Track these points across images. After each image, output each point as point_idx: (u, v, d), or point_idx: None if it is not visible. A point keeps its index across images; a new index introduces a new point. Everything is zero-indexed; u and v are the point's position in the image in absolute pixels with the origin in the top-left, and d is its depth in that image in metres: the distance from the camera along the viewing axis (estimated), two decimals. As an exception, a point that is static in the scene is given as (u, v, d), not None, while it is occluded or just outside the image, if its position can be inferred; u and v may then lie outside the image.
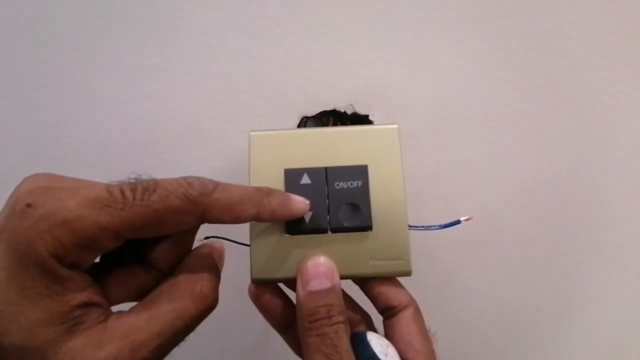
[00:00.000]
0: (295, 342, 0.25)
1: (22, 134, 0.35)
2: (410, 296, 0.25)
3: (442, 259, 0.38)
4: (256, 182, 0.26)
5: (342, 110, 0.36)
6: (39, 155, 0.35)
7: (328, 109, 0.36)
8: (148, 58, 0.35)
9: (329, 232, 0.25)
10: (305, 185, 0.25)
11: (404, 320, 0.24)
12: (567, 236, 0.39)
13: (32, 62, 0.34)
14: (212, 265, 0.21)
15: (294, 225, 0.24)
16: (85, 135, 0.35)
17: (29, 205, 0.16)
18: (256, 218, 0.21)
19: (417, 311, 0.24)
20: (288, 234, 0.25)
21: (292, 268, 0.24)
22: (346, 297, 0.25)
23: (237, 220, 0.20)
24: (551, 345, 0.40)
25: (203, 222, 0.20)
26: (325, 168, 0.25)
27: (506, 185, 0.38)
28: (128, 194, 0.17)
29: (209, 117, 0.35)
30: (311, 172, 0.25)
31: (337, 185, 0.25)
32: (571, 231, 0.39)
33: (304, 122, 0.36)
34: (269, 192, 0.22)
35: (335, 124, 0.37)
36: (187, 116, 0.35)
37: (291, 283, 0.24)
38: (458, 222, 0.25)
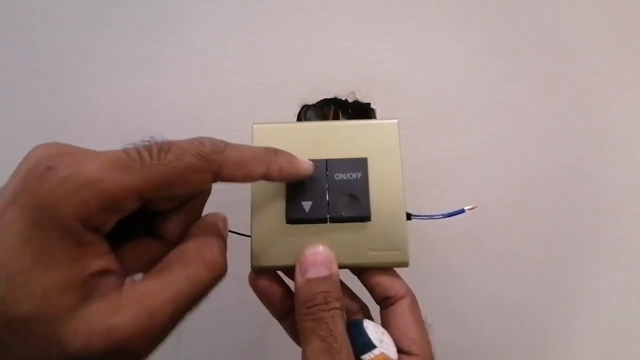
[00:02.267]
0: (293, 329, 0.25)
1: (18, 123, 0.35)
2: (407, 287, 0.25)
3: (440, 251, 0.38)
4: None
5: (343, 99, 0.36)
6: (37, 143, 0.36)
7: (329, 97, 0.36)
8: (147, 48, 0.35)
9: (328, 222, 0.25)
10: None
11: (400, 310, 0.24)
12: (568, 227, 0.38)
13: (29, 51, 0.35)
14: (219, 233, 0.21)
15: (294, 215, 0.25)
16: (81, 125, 0.35)
17: (49, 168, 0.16)
18: (265, 176, 0.22)
19: (414, 302, 0.24)
20: (288, 223, 0.25)
21: (291, 256, 0.25)
22: (344, 286, 0.25)
23: (248, 178, 0.21)
24: (551, 338, 0.40)
25: (217, 180, 0.20)
26: (326, 160, 0.26)
27: (506, 177, 0.37)
28: (145, 154, 0.18)
29: (209, 106, 0.35)
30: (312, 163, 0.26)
31: (337, 176, 0.26)
32: (572, 223, 0.38)
33: (305, 111, 0.36)
34: (275, 151, 0.23)
35: (336, 113, 0.37)
36: (186, 105, 0.35)
37: (290, 271, 0.25)
38: (462, 211, 0.25)
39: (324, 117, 0.37)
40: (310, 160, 0.26)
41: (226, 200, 0.37)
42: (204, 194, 0.23)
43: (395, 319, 0.24)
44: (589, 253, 0.39)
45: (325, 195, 0.25)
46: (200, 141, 0.19)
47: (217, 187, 0.37)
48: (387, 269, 0.25)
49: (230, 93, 0.35)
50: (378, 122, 0.27)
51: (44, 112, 0.35)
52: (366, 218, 0.25)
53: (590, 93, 0.38)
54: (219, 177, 0.20)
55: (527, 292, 0.39)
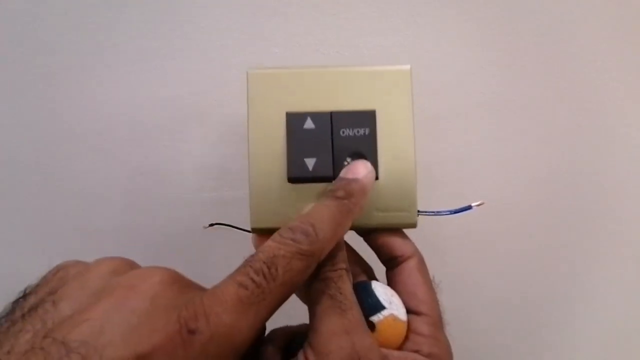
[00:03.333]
0: (300, 289, 0.24)
1: (22, 117, 0.34)
2: (415, 246, 0.24)
3: (440, 249, 0.38)
4: (256, 126, 0.24)
5: None
6: (39, 139, 0.35)
7: None
8: (148, 41, 0.34)
9: (333, 181, 0.23)
10: (309, 130, 0.23)
11: (408, 270, 0.23)
12: (571, 226, 0.39)
13: (33, 46, 0.34)
14: None
15: (296, 173, 0.23)
16: (85, 120, 0.35)
17: (192, 331, 0.15)
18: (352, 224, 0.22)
19: (421, 261, 0.24)
20: (290, 182, 0.23)
21: (293, 217, 0.23)
22: (348, 248, 0.24)
23: (340, 239, 0.21)
24: (552, 337, 0.41)
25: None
26: (331, 113, 0.24)
27: (510, 175, 0.37)
28: (260, 280, 0.17)
29: (210, 102, 0.35)
30: (315, 116, 0.23)
31: (343, 132, 0.23)
32: (575, 221, 0.39)
33: None
34: (347, 194, 0.21)
35: None
36: (191, 101, 0.35)
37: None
38: (469, 207, 0.24)
39: None
40: (313, 112, 0.24)
41: (228, 198, 0.36)
42: None
43: (403, 279, 0.23)
44: (593, 252, 0.39)
45: (330, 151, 0.23)
46: (293, 239, 0.19)
47: (219, 184, 0.36)
48: (394, 229, 0.24)
49: (232, 88, 0.34)
50: (388, 69, 0.24)
51: (45, 107, 0.34)
52: (374, 180, 0.23)
53: (596, 91, 0.37)
54: (320, 260, 0.20)
55: (529, 290, 0.39)
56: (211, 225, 0.32)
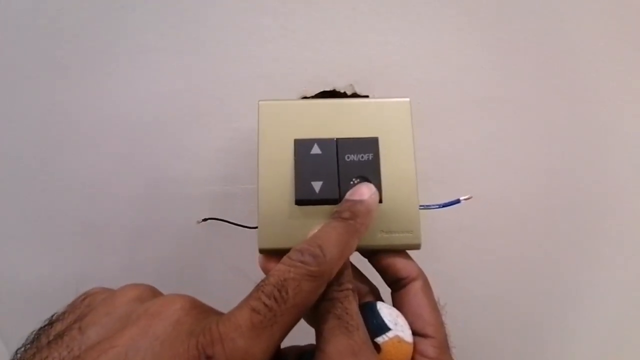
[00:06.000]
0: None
1: (26, 111, 0.34)
2: (419, 268, 0.24)
3: (436, 246, 0.38)
4: (265, 151, 0.25)
5: (342, 91, 0.36)
6: (44, 133, 0.35)
7: (328, 89, 0.35)
8: (151, 38, 0.34)
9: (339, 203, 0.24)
10: (316, 155, 0.25)
11: (413, 291, 0.23)
12: (568, 225, 0.39)
13: (39, 40, 0.34)
14: None
15: (303, 195, 0.24)
16: (88, 115, 0.34)
17: (210, 357, 0.16)
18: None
19: (426, 283, 0.24)
20: (297, 204, 0.24)
21: (300, 238, 0.24)
22: (354, 269, 0.25)
23: (347, 258, 0.21)
24: (549, 337, 0.40)
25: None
26: (336, 139, 0.25)
27: (505, 171, 0.37)
28: (271, 304, 0.18)
29: (209, 98, 0.35)
30: (322, 142, 0.25)
31: (348, 157, 0.25)
32: (575, 217, 0.39)
33: None
34: (352, 215, 0.22)
35: None
36: (187, 96, 0.35)
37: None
38: (458, 201, 0.25)
39: None
40: (320, 139, 0.25)
41: (230, 193, 0.37)
42: None
43: (408, 300, 0.23)
44: (590, 251, 0.39)
45: (336, 175, 0.24)
46: (302, 261, 0.19)
47: (221, 179, 0.37)
48: (399, 251, 0.25)
49: (229, 84, 0.35)
50: (389, 101, 0.26)
51: (49, 101, 0.34)
52: (378, 201, 0.24)
53: (595, 90, 0.37)
54: (328, 281, 0.20)
55: (525, 290, 0.39)
56: (204, 220, 0.32)
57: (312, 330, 0.21)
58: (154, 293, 0.20)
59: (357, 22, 0.35)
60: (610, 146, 0.38)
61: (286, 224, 0.24)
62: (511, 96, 0.37)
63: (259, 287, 0.18)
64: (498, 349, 0.40)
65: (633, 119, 0.38)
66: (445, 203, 0.25)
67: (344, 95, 0.36)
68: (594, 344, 0.41)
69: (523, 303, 0.40)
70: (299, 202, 0.24)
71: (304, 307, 0.19)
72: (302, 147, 0.25)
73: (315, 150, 0.25)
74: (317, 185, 0.24)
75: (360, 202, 0.23)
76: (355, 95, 0.36)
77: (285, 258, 0.20)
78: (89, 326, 0.17)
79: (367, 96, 0.36)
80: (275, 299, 0.18)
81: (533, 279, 0.39)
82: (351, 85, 0.35)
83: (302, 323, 0.24)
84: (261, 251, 0.24)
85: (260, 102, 0.26)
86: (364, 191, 0.23)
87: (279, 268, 0.19)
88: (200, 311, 0.19)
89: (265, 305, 0.18)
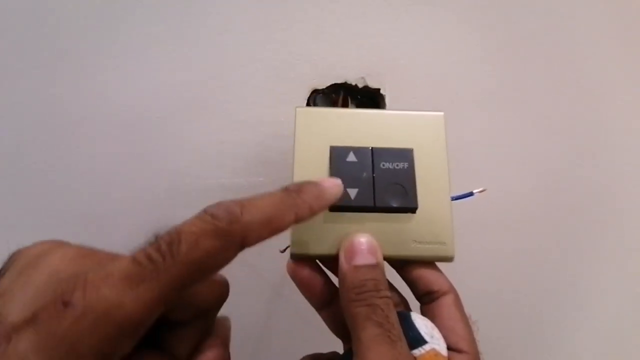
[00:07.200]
0: (333, 319, 0.24)
1: (24, 103, 0.33)
2: (450, 282, 0.24)
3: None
4: (301, 157, 0.25)
5: (353, 84, 0.35)
6: (43, 127, 0.34)
7: (339, 82, 0.35)
8: (153, 28, 0.33)
9: (373, 211, 0.24)
10: (352, 163, 0.25)
11: (446, 306, 0.23)
12: (571, 222, 0.39)
13: (39, 32, 0.33)
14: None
15: (339, 202, 0.24)
16: (88, 108, 0.34)
17: (65, 303, 0.15)
18: (296, 222, 0.19)
19: (458, 298, 0.24)
20: (331, 210, 0.24)
21: (333, 245, 0.23)
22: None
23: (277, 232, 0.18)
24: (552, 334, 0.39)
25: (243, 249, 0.18)
26: (372, 148, 0.25)
27: (513, 166, 0.37)
28: (155, 256, 0.16)
29: (216, 90, 0.34)
30: (357, 150, 0.25)
31: (383, 165, 0.25)
32: (576, 214, 0.39)
33: (314, 97, 0.36)
34: (298, 189, 0.20)
35: (345, 99, 0.36)
36: (193, 89, 0.34)
37: (330, 260, 0.24)
38: (471, 194, 0.25)
39: (333, 103, 0.36)
40: (356, 147, 0.25)
41: (234, 185, 0.36)
42: (218, 306, 0.21)
43: (441, 314, 0.23)
44: (591, 249, 0.39)
45: (371, 183, 0.24)
46: (211, 214, 0.17)
47: (224, 174, 0.36)
48: (430, 263, 0.24)
49: (238, 76, 0.34)
50: (424, 114, 0.27)
51: (47, 94, 0.33)
52: (414, 209, 0.24)
53: (595, 88, 0.38)
54: (245, 246, 0.17)
55: (528, 287, 0.39)
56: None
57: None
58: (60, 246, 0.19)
59: (369, 14, 0.35)
60: (613, 142, 0.39)
61: (320, 230, 0.24)
62: (513, 93, 0.37)
63: (154, 236, 0.17)
64: (500, 344, 0.39)
65: (635, 117, 0.39)
66: (458, 196, 0.25)
67: (354, 88, 0.36)
68: (597, 340, 0.40)
69: (525, 298, 0.39)
70: (334, 208, 0.24)
71: (199, 266, 0.16)
72: (338, 154, 0.25)
73: (351, 157, 0.25)
74: (352, 192, 0.24)
75: (314, 183, 0.21)
76: (366, 88, 0.36)
77: (201, 210, 0.17)
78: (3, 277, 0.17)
79: (378, 89, 0.36)
80: (162, 253, 0.16)
81: (535, 274, 0.39)
82: (362, 78, 0.35)
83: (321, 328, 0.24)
84: (292, 256, 0.24)
85: (297, 109, 0.26)
86: (326, 179, 0.22)
87: (186, 220, 0.17)
88: (91, 260, 0.17)
89: (149, 257, 0.16)
